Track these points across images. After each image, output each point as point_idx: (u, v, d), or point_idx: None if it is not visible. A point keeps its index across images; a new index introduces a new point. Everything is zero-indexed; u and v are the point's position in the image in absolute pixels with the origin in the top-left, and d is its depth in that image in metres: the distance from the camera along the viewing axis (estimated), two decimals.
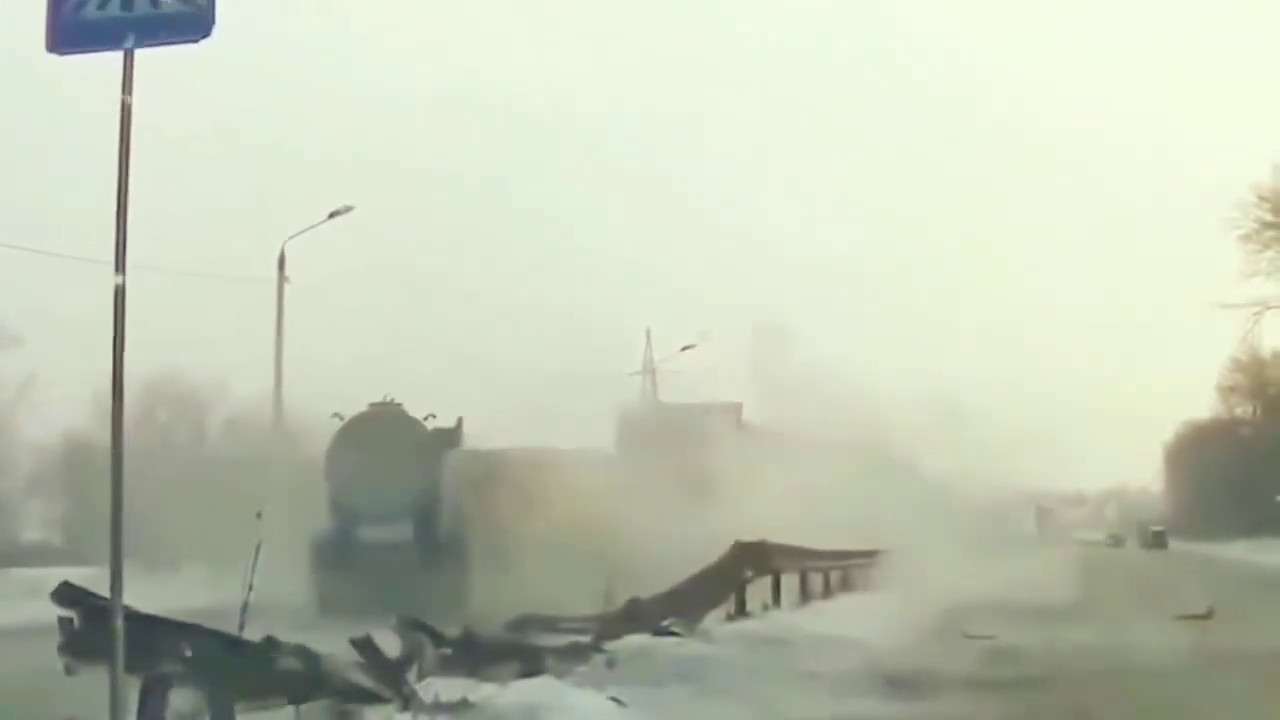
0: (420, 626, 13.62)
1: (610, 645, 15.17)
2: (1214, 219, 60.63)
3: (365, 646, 10.66)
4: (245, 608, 8.24)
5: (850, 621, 18.30)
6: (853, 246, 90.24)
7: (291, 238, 40.84)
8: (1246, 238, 59.18)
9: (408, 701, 9.91)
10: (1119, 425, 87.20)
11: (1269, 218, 59.42)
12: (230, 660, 7.83)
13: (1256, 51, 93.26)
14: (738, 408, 49.21)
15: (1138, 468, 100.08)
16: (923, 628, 19.05)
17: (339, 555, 28.05)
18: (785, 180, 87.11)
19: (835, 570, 25.69)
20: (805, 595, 22.74)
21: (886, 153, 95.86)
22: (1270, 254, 59.86)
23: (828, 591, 24.38)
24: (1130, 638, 17.73)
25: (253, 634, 9.63)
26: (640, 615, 16.71)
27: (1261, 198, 59.03)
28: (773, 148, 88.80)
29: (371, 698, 9.45)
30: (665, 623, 16.94)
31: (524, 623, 17.24)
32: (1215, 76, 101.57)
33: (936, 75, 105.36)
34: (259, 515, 8.72)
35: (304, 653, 8.56)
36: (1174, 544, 75.51)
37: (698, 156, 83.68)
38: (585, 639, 15.98)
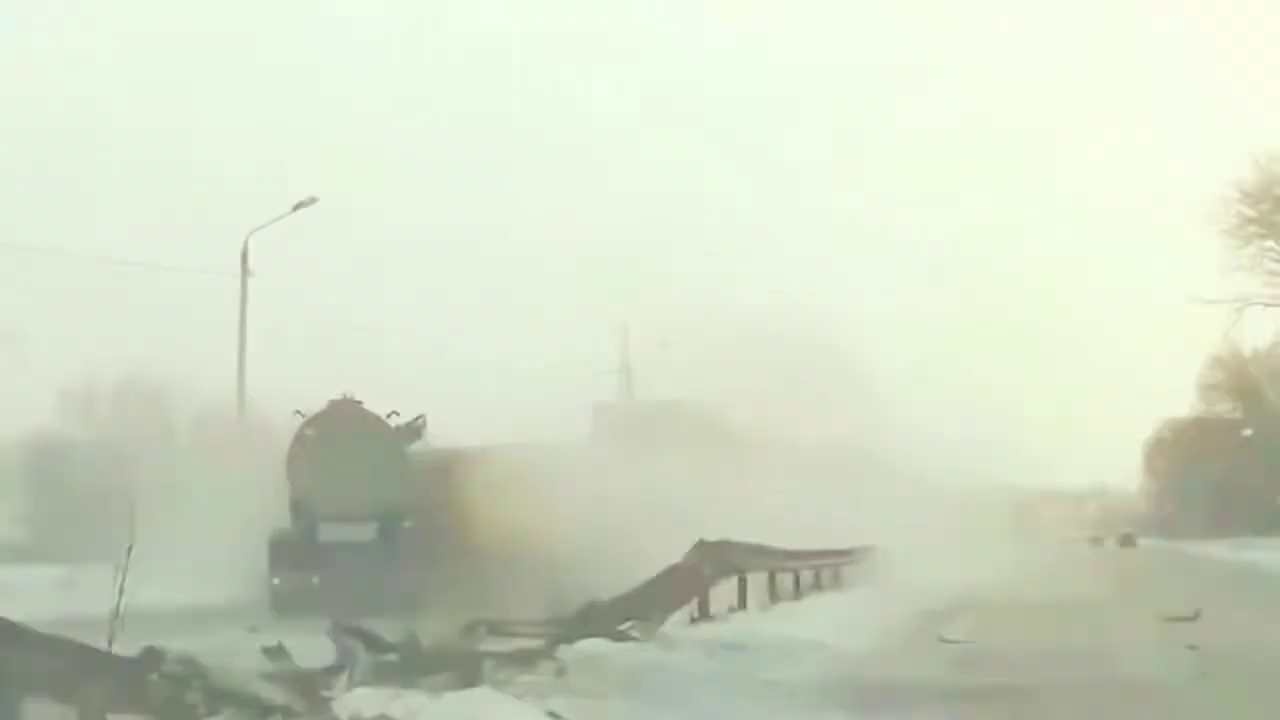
0: (355, 632, 12.77)
1: (564, 651, 14.35)
2: (1196, 215, 60.28)
3: (276, 654, 9.81)
4: (116, 615, 7.32)
5: (819, 624, 17.35)
6: (832, 246, 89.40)
7: (255, 230, 40.36)
8: (1228, 233, 58.84)
9: (320, 715, 9.01)
10: (1100, 422, 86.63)
11: (1250, 213, 59.01)
12: (93, 675, 6.91)
13: (1236, 45, 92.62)
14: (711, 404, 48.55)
15: (1119, 465, 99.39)
16: (896, 631, 18.10)
17: (299, 556, 27.22)
18: (768, 177, 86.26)
19: (808, 569, 24.79)
20: (774, 596, 21.84)
21: (871, 146, 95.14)
22: (1251, 249, 59.48)
23: (799, 592, 23.46)
24: (1115, 641, 16.88)
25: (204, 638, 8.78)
26: (597, 619, 15.80)
27: (1243, 192, 58.67)
28: (755, 143, 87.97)
29: (278, 712, 8.56)
30: (624, 626, 16.10)
31: (475, 627, 16.46)
32: (1197, 70, 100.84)
33: (919, 68, 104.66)
34: (131, 512, 7.77)
35: (190, 665, 7.65)
36: (1158, 543, 74.93)
37: (677, 152, 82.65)
38: (538, 644, 15.23)
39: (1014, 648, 15.96)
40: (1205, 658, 14.39)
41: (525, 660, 13.19)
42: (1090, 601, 24.88)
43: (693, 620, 17.46)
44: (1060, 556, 55.56)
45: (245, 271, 41.87)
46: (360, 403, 28.71)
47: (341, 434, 27.84)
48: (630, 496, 29.67)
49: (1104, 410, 79.14)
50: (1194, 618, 19.41)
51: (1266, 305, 59.44)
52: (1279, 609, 22.91)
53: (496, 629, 16.33)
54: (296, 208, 40.83)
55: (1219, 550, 57.09)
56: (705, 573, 17.54)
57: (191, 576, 25.16)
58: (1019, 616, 20.77)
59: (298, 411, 28.58)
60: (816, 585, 25.78)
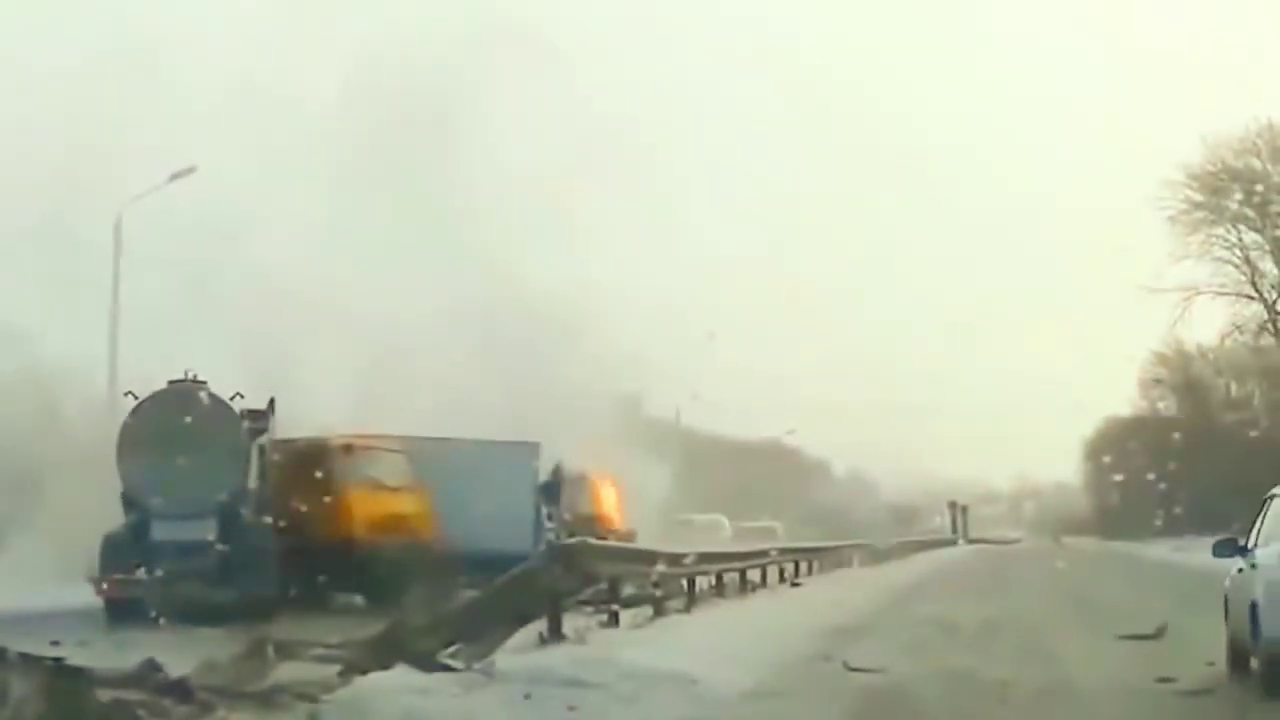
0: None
1: (347, 686, 11.10)
2: (1140, 200, 58.05)
3: None
4: None
5: (697, 648, 13.96)
6: (776, 246, 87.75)
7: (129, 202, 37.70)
8: (1174, 220, 56.49)
9: None
10: (1039, 421, 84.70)
11: (1199, 198, 56.48)
12: None
13: (1183, 24, 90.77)
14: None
15: (1056, 464, 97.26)
16: (792, 654, 14.66)
17: (130, 556, 23.81)
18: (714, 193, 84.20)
19: (705, 575, 21.41)
20: (660, 609, 18.43)
21: (806, 150, 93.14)
22: (1199, 236, 57.01)
23: (691, 603, 20.04)
24: (1061, 668, 13.63)
25: None
26: (405, 642, 12.42)
27: (1191, 176, 56.13)
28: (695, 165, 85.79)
29: None
30: (449, 650, 12.74)
31: (262, 647, 13.19)
32: (1143, 50, 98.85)
33: (868, 65, 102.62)
34: None
35: None
36: (1096, 544, 72.57)
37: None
38: (331, 671, 12.02)
39: (938, 679, 12.60)
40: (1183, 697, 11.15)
41: (265, 702, 9.92)
42: (1029, 614, 21.67)
43: (542, 640, 14.06)
44: (994, 560, 52.99)
45: (119, 246, 39.02)
46: (203, 384, 25.18)
47: (176, 419, 24.27)
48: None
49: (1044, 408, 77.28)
50: (1157, 636, 16.24)
51: (1216, 294, 56.95)
52: None
53: (286, 650, 13.11)
54: (174, 177, 37.71)
55: (1159, 552, 54.48)
56: (556, 582, 14.04)
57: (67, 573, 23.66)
58: (945, 634, 17.45)
59: (129, 393, 25.13)
60: (719, 593, 22.59)
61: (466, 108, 40.45)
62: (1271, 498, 12.83)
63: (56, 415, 35.97)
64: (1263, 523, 12.68)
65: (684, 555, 19.72)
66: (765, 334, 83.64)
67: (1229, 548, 13.25)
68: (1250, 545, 12.68)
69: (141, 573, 23.24)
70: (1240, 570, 12.76)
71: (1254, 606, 11.57)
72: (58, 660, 10.45)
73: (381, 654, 12.26)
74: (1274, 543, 11.97)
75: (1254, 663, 12.01)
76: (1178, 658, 13.96)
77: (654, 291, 64.73)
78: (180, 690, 10.95)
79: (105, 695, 10.34)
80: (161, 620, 19.30)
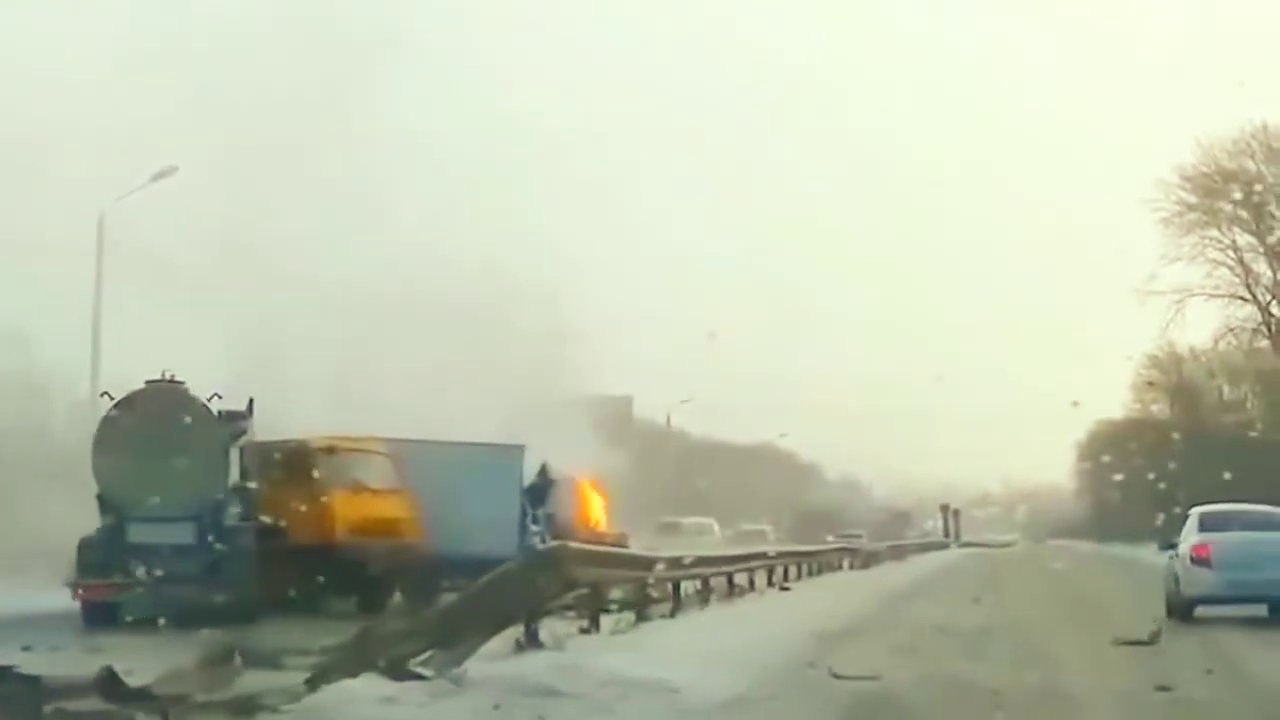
0: None
1: (322, 691, 10.73)
2: (1134, 202, 57.78)
3: None
4: None
5: (679, 654, 13.52)
6: (770, 250, 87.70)
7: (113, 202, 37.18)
8: (1167, 221, 56.19)
9: None
10: (1031, 424, 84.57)
11: (1192, 199, 56.18)
12: None
13: (1181, 24, 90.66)
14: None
15: (1050, 468, 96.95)
16: (778, 660, 14.21)
17: (107, 561, 23.36)
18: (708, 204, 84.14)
19: (693, 579, 20.99)
20: (642, 613, 18.01)
21: (801, 153, 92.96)
22: (1192, 238, 56.73)
23: (676, 608, 19.62)
24: (1056, 675, 13.23)
25: None
26: (374, 649, 12.00)
27: (1185, 178, 55.80)
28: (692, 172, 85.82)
29: None
30: (421, 658, 12.31)
31: (227, 655, 12.81)
32: (1140, 50, 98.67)
33: (867, 67, 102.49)
34: None
35: None
36: (1091, 547, 72.31)
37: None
38: (299, 679, 11.61)
39: (929, 687, 12.19)
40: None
41: (229, 710, 9.54)
42: (1021, 619, 21.34)
43: (519, 647, 13.61)
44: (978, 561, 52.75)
45: (101, 247, 38.58)
46: (181, 384, 24.71)
47: (153, 420, 23.78)
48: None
49: (1037, 411, 77.01)
50: (1151, 641, 15.86)
51: (1209, 297, 56.64)
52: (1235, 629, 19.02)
53: (253, 658, 12.72)
54: (156, 177, 37.16)
55: (1153, 554, 54.04)
56: (535, 586, 13.58)
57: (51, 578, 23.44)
58: (933, 638, 17.06)
59: (105, 394, 24.70)
60: (703, 599, 22.17)
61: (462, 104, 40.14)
62: (1189, 514, 21.61)
63: (42, 417, 35.67)
64: (1183, 526, 21.36)
65: (670, 559, 19.30)
66: (759, 337, 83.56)
67: (1168, 545, 21.76)
68: (1177, 542, 21.19)
69: (119, 576, 22.90)
70: (1170, 557, 21.34)
71: (1175, 578, 20.80)
72: (10, 668, 10.09)
73: (352, 661, 11.85)
74: (1187, 540, 20.76)
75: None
76: (1173, 663, 13.60)
77: (648, 294, 64.54)
78: (142, 698, 10.60)
79: (61, 705, 9.98)
80: (160, 621, 18.83)
